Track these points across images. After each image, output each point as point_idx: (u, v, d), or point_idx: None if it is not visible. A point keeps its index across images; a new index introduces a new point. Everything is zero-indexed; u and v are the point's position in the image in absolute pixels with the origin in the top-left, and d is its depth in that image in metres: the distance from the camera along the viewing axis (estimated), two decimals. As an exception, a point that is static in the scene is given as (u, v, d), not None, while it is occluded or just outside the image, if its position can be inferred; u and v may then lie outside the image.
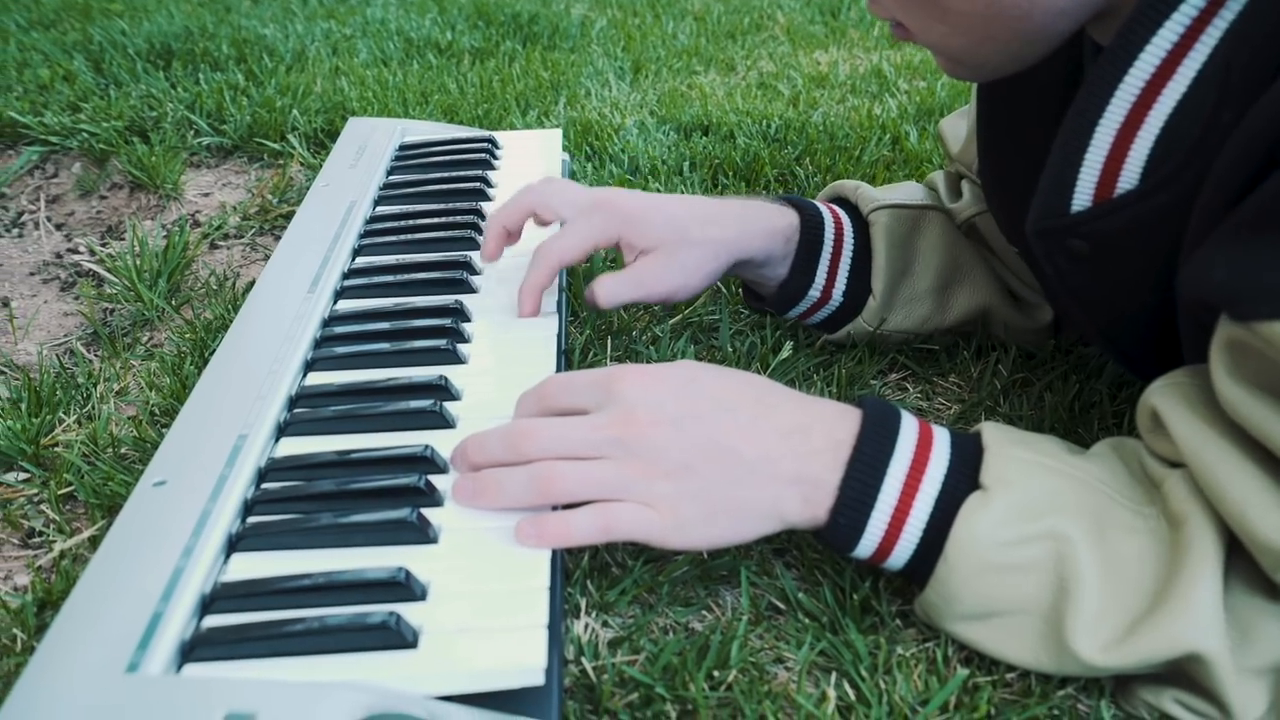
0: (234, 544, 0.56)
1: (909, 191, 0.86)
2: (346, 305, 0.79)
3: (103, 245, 1.19)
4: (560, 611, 0.55)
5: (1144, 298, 0.61)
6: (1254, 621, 0.51)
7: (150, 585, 0.51)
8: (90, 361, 0.95)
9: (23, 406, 0.78)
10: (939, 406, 0.83)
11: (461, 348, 0.73)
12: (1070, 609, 0.52)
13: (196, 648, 0.49)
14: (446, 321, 0.75)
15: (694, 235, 0.76)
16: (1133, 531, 0.54)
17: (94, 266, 1.15)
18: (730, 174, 1.18)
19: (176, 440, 0.62)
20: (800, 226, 0.81)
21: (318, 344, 0.74)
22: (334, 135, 1.32)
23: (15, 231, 1.23)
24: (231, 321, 0.89)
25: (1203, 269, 0.51)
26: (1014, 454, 0.56)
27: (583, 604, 0.61)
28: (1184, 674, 0.52)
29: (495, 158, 1.06)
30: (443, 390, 0.68)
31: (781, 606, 0.62)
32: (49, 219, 1.26)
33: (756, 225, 0.79)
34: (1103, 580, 0.52)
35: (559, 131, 1.13)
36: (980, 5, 0.58)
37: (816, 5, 2.06)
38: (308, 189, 1.21)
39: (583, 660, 0.57)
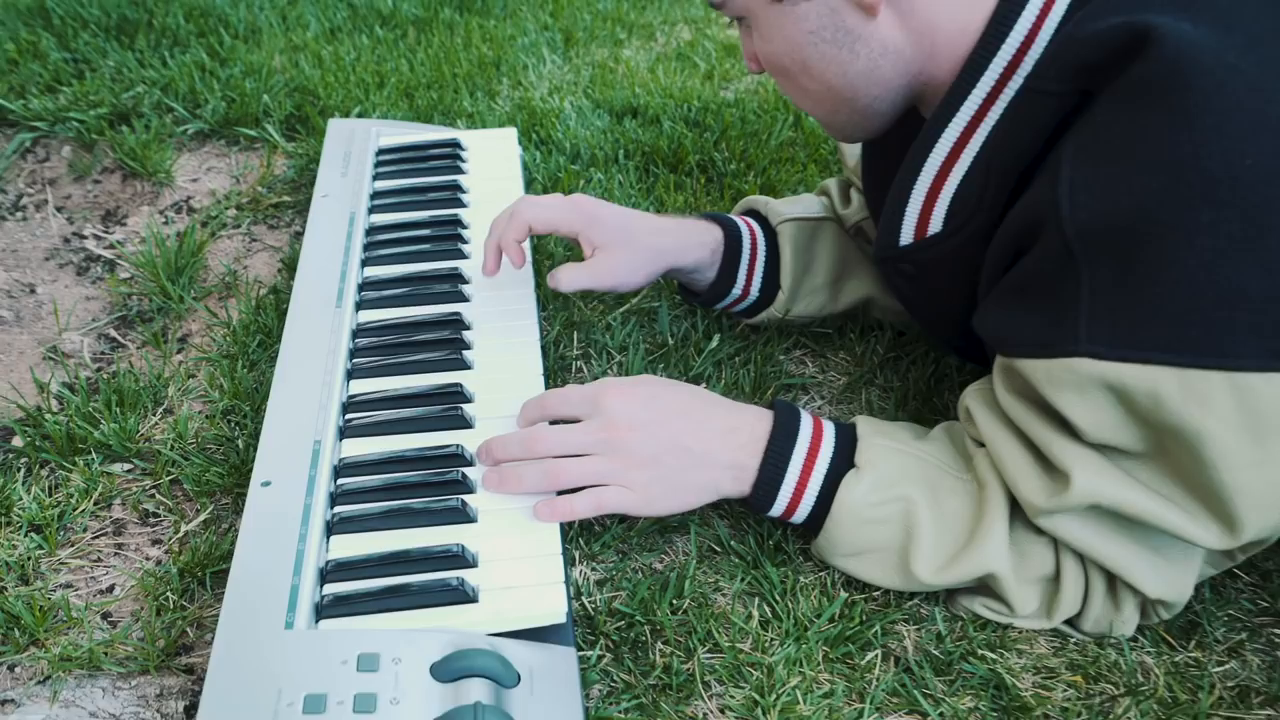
0: (331, 528, 0.78)
1: (808, 205, 1.08)
2: (366, 316, 1.00)
3: (106, 230, 1.35)
4: (567, 565, 0.79)
5: (954, 305, 0.85)
6: (1027, 549, 0.77)
7: (283, 564, 0.73)
8: (128, 348, 1.14)
9: (113, 406, 0.97)
10: (831, 378, 1.07)
11: (467, 354, 0.95)
12: (913, 547, 0.78)
13: (325, 609, 0.72)
14: (451, 333, 0.96)
15: (640, 241, 0.98)
16: (954, 493, 0.79)
17: (104, 253, 1.31)
18: (659, 162, 1.39)
19: (269, 446, 0.83)
20: (724, 241, 1.03)
21: (352, 354, 0.95)
22: (304, 121, 1.48)
23: (19, 215, 1.38)
24: (261, 323, 1.09)
25: (984, 317, 0.77)
26: (877, 442, 0.81)
27: (576, 555, 0.85)
28: (986, 586, 0.79)
29: (462, 160, 1.25)
30: (460, 395, 0.89)
31: (718, 549, 0.86)
32: (47, 202, 1.41)
33: (691, 240, 1.01)
34: (934, 527, 0.78)
35: (513, 131, 1.32)
36: (820, 86, 0.81)
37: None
38: (291, 178, 1.39)
39: (582, 598, 0.81)
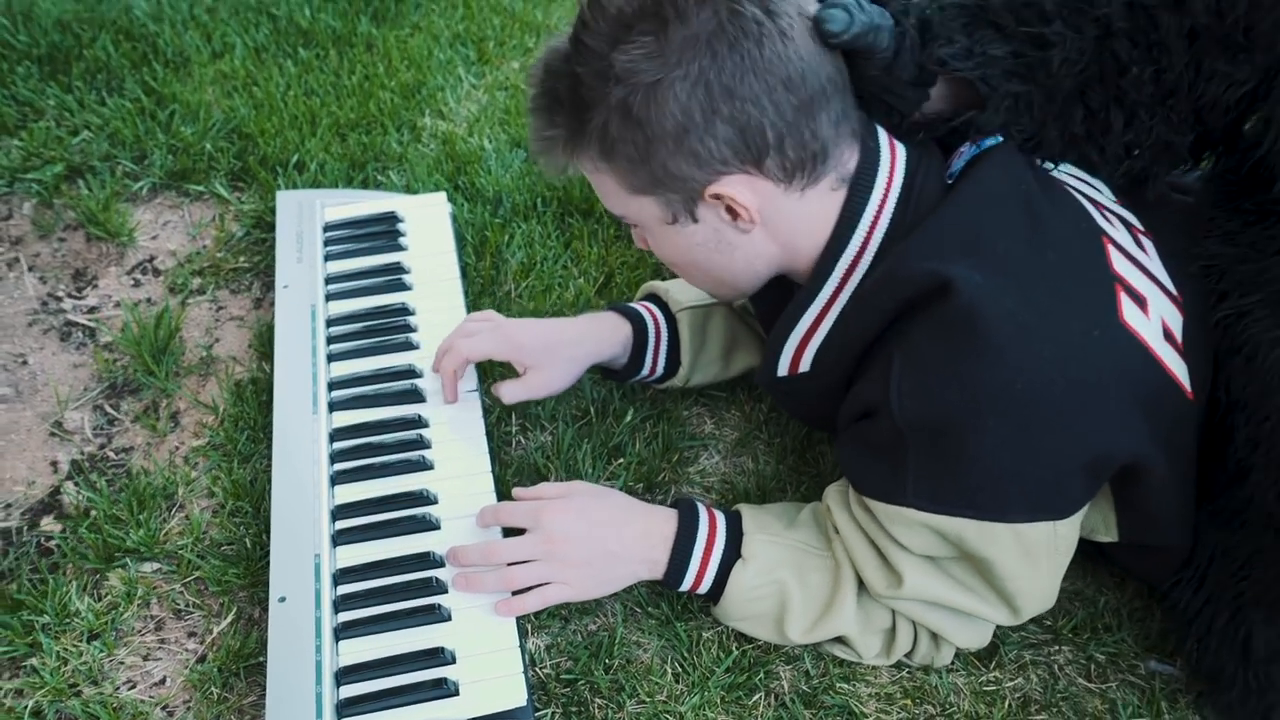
0: (338, 634, 1.01)
1: (701, 293, 1.29)
2: (340, 419, 1.20)
3: (79, 293, 1.51)
4: (523, 639, 1.03)
5: (822, 415, 1.08)
6: (870, 611, 1.03)
7: (306, 673, 0.96)
8: (123, 422, 1.33)
9: (134, 510, 1.17)
10: (726, 433, 1.31)
11: (427, 454, 1.16)
12: (786, 616, 1.03)
13: (344, 709, 0.95)
14: (413, 434, 1.17)
15: (563, 354, 1.19)
16: (817, 570, 1.04)
17: (83, 319, 1.48)
18: (574, 211, 1.57)
19: (279, 560, 1.05)
20: (633, 334, 1.24)
21: (332, 459, 1.15)
22: (249, 173, 1.62)
23: (-6, 277, 1.53)
24: (245, 416, 1.28)
25: (842, 450, 1.02)
26: (758, 537, 1.05)
27: (529, 627, 1.09)
28: (841, 641, 1.05)
29: (401, 234, 1.43)
30: (426, 499, 1.11)
31: (639, 614, 1.11)
32: (18, 261, 1.55)
33: (605, 340, 1.22)
34: (801, 600, 1.03)
35: (443, 197, 1.49)
36: (704, 276, 1.04)
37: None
38: (245, 235, 1.54)
39: (536, 667, 1.05)
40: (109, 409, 1.35)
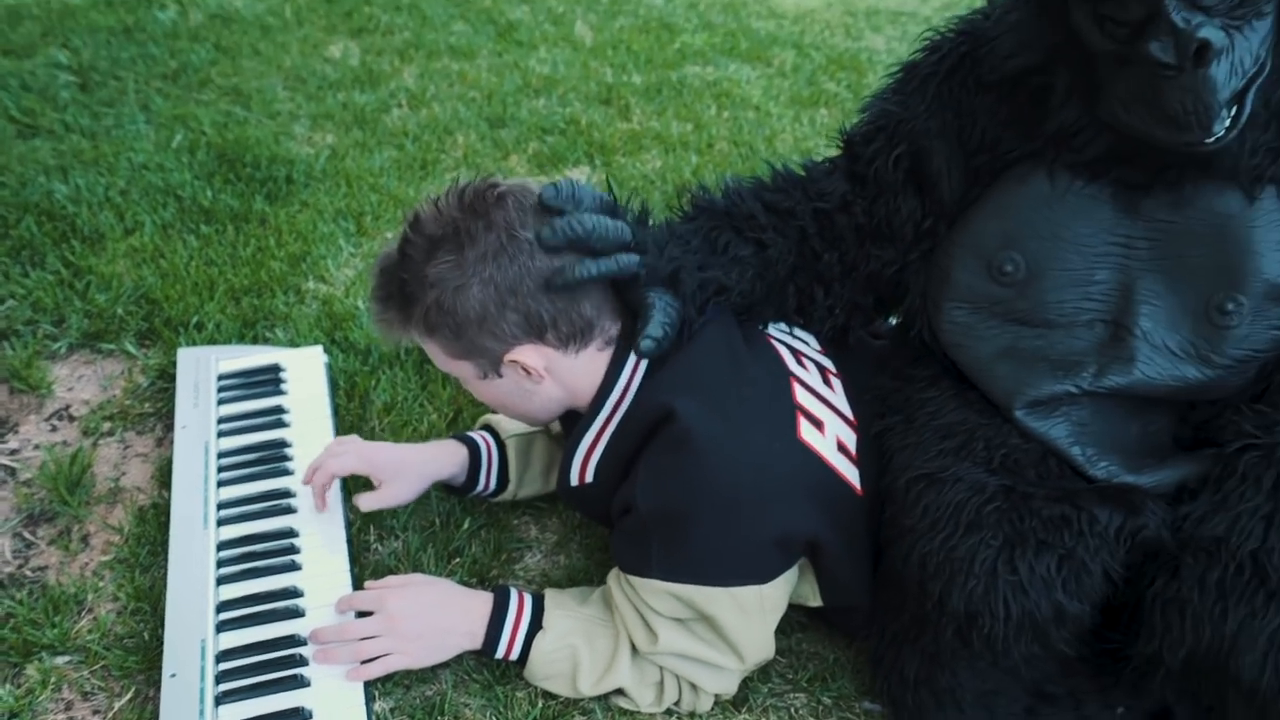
0: (219, 701, 1.27)
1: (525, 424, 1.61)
2: (226, 533, 1.47)
3: (2, 439, 1.77)
4: (370, 704, 1.30)
5: (604, 515, 1.39)
6: (644, 668, 1.33)
7: (192, 730, 1.22)
8: (39, 545, 1.58)
9: (50, 614, 1.42)
10: (547, 536, 1.61)
11: (297, 558, 1.44)
12: (578, 674, 1.32)
13: (222, 756, 1.21)
14: (287, 543, 1.45)
15: (413, 471, 1.49)
16: (602, 637, 1.34)
17: (5, 460, 1.73)
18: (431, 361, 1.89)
19: (171, 643, 1.31)
20: (469, 458, 1.55)
21: (219, 564, 1.43)
22: (155, 333, 1.91)
23: (-78, 424, 1.78)
24: (146, 534, 1.55)
25: (612, 540, 1.32)
26: (556, 612, 1.35)
27: (377, 692, 1.36)
28: (622, 693, 1.35)
29: (283, 381, 1.73)
30: (295, 593, 1.39)
31: (466, 680, 1.39)
32: (-52, 412, 1.81)
33: (447, 462, 1.52)
34: (589, 661, 1.33)
35: (319, 350, 1.81)
36: (509, 411, 1.35)
37: (487, 120, 2.73)
38: (150, 384, 1.83)
39: (381, 722, 1.33)
40: (26, 535, 1.60)
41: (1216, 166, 1.19)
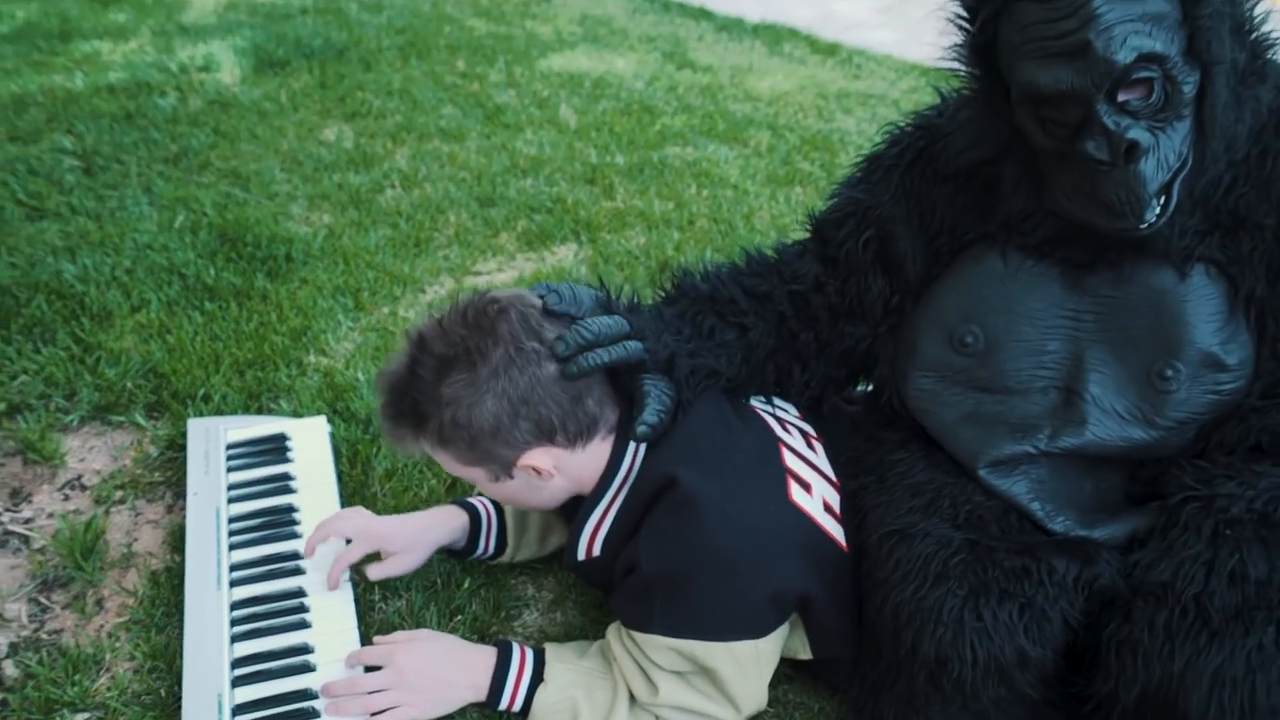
0: (236, 752, 1.34)
1: None
2: (239, 593, 1.55)
3: (15, 507, 1.84)
4: (378, 756, 1.37)
5: (608, 583, 1.48)
6: (641, 716, 1.41)
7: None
8: (54, 609, 1.65)
9: (70, 673, 1.49)
10: (544, 594, 1.69)
11: (306, 616, 1.52)
12: (580, 721, 1.41)
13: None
14: (296, 602, 1.53)
15: (417, 540, 1.58)
16: (601, 689, 1.42)
17: (19, 529, 1.80)
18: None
19: (189, 698, 1.38)
20: (469, 523, 1.64)
21: (232, 624, 1.50)
22: (163, 405, 2.00)
23: (-61, 496, 1.85)
24: (161, 596, 1.62)
25: (615, 599, 1.41)
26: (557, 666, 1.43)
27: (384, 744, 1.43)
28: None
29: (289, 450, 1.82)
30: (306, 649, 1.46)
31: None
32: (-37, 483, 1.88)
33: (448, 528, 1.61)
34: (589, 710, 1.40)
35: (323, 420, 1.90)
36: (508, 500, 1.44)
37: (477, 199, 2.85)
38: (159, 454, 1.91)
39: (389, 772, 1.39)
40: (42, 600, 1.67)
41: (1151, 247, 1.32)
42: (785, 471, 1.41)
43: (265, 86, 3.45)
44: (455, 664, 1.42)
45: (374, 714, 1.39)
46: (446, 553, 1.68)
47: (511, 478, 1.38)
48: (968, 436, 1.41)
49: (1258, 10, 1.27)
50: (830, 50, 4.46)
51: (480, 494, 1.70)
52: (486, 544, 1.64)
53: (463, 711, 1.46)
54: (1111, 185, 1.22)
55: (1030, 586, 1.27)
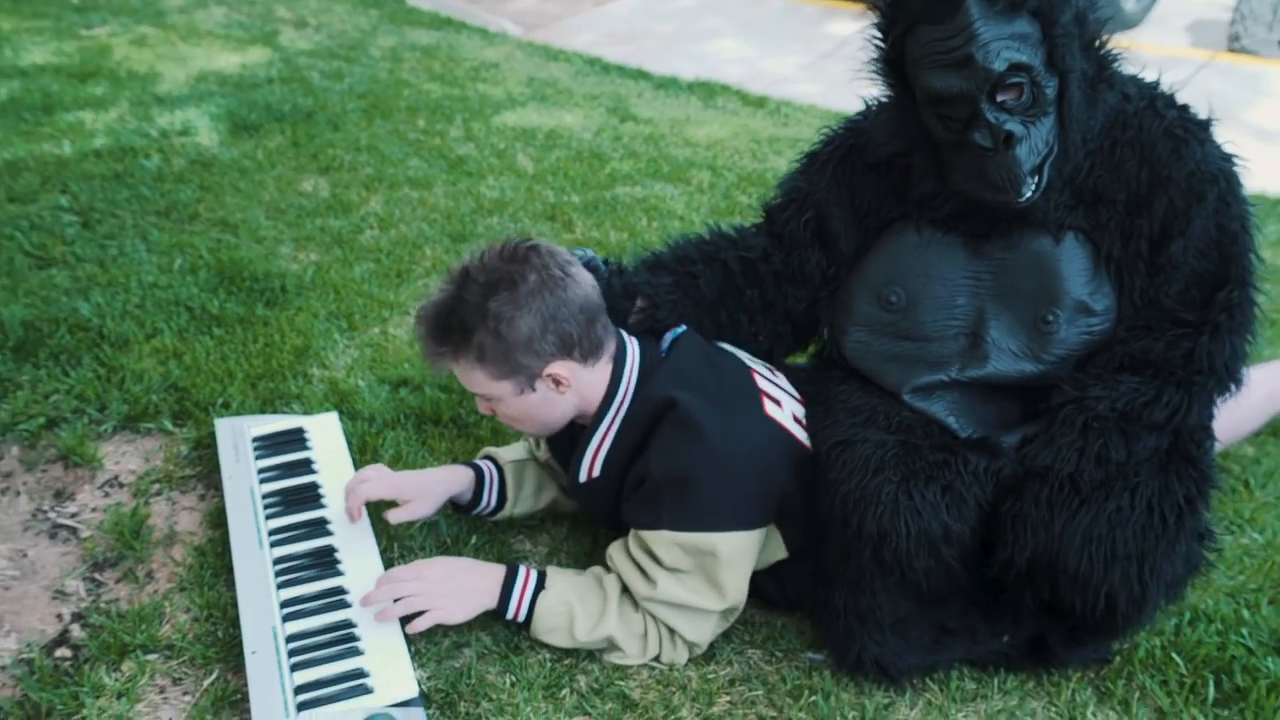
0: (293, 668, 1.57)
1: (519, 450, 1.96)
2: (279, 551, 1.79)
3: (61, 505, 2.06)
4: (414, 667, 1.61)
5: (608, 505, 1.74)
6: (629, 620, 1.67)
7: (276, 695, 1.52)
8: (107, 584, 1.87)
9: (136, 623, 1.71)
10: (540, 549, 1.95)
11: (339, 565, 1.76)
12: (575, 624, 1.66)
13: (301, 709, 1.51)
14: (331, 556, 1.77)
15: (430, 491, 1.84)
16: (594, 597, 1.68)
17: (66, 521, 2.03)
18: (427, 419, 2.24)
19: (248, 629, 1.62)
20: (475, 479, 1.90)
21: (276, 575, 1.74)
22: (187, 413, 2.24)
23: (-9, 500, 2.07)
24: (208, 562, 1.85)
25: (626, 509, 1.68)
26: (556, 578, 1.69)
27: (410, 650, 1.67)
28: (615, 647, 1.68)
29: (307, 441, 2.07)
30: (342, 590, 1.71)
31: (487, 654, 1.71)
32: (10, 487, 2.10)
33: (457, 482, 1.87)
34: (583, 614, 1.67)
35: (335, 415, 2.15)
36: (533, 423, 1.72)
37: (449, 235, 3.14)
38: (188, 453, 2.14)
39: (420, 684, 1.63)
40: (96, 578, 1.89)
41: (1032, 219, 1.64)
42: (759, 392, 1.72)
43: (242, 147, 3.72)
44: (473, 574, 1.68)
45: (407, 620, 1.63)
46: (453, 507, 1.93)
47: (534, 390, 1.65)
48: (894, 371, 1.72)
49: (1102, 32, 1.61)
50: (759, 102, 4.85)
51: (483, 457, 1.96)
52: (489, 498, 1.91)
53: (477, 637, 1.71)
54: (995, 167, 1.54)
55: (950, 473, 1.57)
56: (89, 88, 4.16)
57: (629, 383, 1.68)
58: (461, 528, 1.97)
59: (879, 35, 1.60)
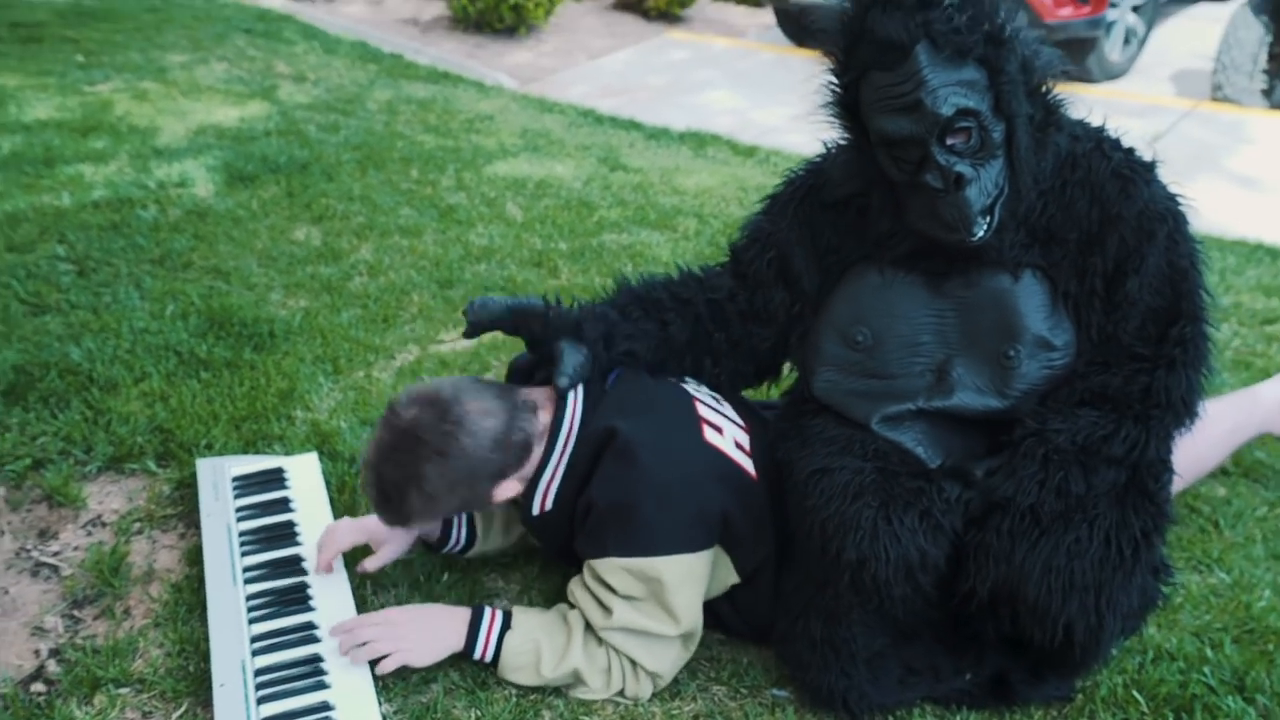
0: (260, 702, 1.60)
1: None
2: (250, 589, 1.82)
3: (44, 544, 2.10)
4: (379, 702, 1.64)
5: (560, 539, 1.78)
6: (594, 656, 1.70)
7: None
8: (85, 621, 1.90)
9: (108, 657, 1.74)
10: (511, 587, 1.98)
11: (311, 602, 1.79)
12: (542, 662, 1.69)
13: (268, 738, 1.54)
14: (299, 594, 1.81)
15: (399, 534, 1.87)
16: (559, 633, 1.71)
17: (49, 560, 2.06)
18: (405, 461, 2.28)
19: (217, 662, 1.65)
20: (442, 521, 1.93)
21: (249, 610, 1.77)
22: (171, 454, 2.28)
23: (-25, 540, 2.11)
24: (184, 599, 1.88)
25: (578, 542, 1.71)
26: (521, 618, 1.72)
27: (381, 698, 1.69)
28: (581, 683, 1.70)
29: (286, 482, 2.11)
30: (313, 626, 1.74)
31: (454, 690, 1.73)
32: (-5, 528, 2.14)
33: (424, 523, 1.91)
34: (549, 649, 1.69)
35: (314, 456, 2.19)
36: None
37: (437, 282, 3.20)
38: (169, 493, 2.18)
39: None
40: (75, 614, 1.93)
41: (988, 257, 1.68)
42: (698, 419, 1.76)
43: (237, 197, 3.79)
44: (440, 618, 1.71)
45: (374, 662, 1.66)
46: (424, 546, 1.96)
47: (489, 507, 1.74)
48: (862, 405, 1.76)
49: (1048, 78, 1.66)
50: (749, 152, 4.93)
51: None
52: (458, 536, 1.95)
53: (445, 673, 1.74)
54: (947, 207, 1.59)
55: (927, 500, 1.61)
56: (90, 141, 4.25)
57: (572, 420, 1.73)
58: (434, 565, 2.00)
59: (835, 81, 1.66)
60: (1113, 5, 6.43)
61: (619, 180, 4.29)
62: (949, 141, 1.57)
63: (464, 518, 1.95)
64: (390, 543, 1.86)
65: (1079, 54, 6.43)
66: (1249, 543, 2.18)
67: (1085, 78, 6.48)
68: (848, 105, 1.65)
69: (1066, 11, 6.23)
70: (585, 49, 7.20)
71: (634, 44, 7.34)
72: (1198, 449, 2.23)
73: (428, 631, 1.69)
